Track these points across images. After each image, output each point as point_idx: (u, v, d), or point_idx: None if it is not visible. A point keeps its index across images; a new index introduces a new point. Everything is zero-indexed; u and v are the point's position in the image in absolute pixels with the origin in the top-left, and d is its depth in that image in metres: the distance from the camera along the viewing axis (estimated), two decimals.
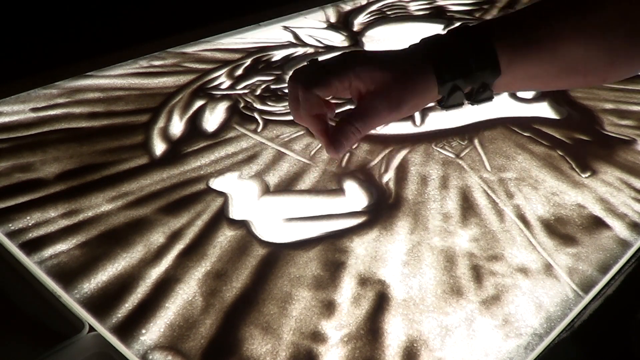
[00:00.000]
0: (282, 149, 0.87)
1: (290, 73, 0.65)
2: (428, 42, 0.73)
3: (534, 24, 0.69)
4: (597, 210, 0.79)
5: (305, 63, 0.67)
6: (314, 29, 1.26)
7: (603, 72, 0.69)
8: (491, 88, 0.72)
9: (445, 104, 0.73)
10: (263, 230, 0.71)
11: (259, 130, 0.92)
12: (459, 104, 0.74)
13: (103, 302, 0.60)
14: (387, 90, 0.68)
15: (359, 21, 1.33)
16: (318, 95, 0.66)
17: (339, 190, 0.79)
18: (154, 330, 0.57)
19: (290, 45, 1.17)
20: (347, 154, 0.88)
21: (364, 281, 0.65)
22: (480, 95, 0.71)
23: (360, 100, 0.72)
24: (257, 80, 1.06)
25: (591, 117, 1.01)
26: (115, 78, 1.00)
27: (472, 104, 0.73)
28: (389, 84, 0.68)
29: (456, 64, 0.70)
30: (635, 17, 0.63)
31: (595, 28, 0.65)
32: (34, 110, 0.89)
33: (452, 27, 0.78)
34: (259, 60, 1.10)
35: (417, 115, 0.97)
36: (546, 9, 0.69)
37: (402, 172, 0.84)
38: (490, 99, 0.72)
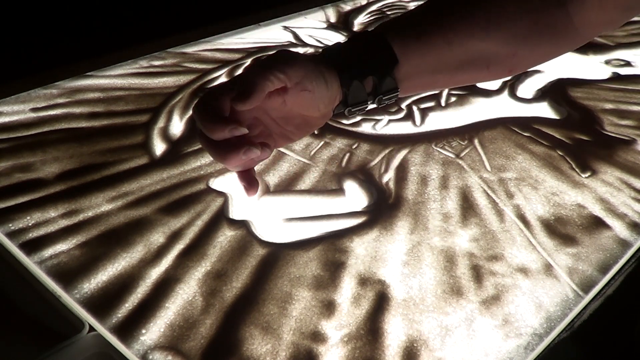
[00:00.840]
0: (282, 149, 0.87)
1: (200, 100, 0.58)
2: (328, 48, 0.74)
3: (427, 17, 0.70)
4: (597, 210, 0.79)
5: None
6: (314, 29, 1.26)
7: (507, 62, 0.70)
8: (394, 78, 0.71)
9: (348, 100, 0.72)
10: (263, 230, 0.71)
11: None
12: (363, 102, 0.73)
13: (103, 302, 0.60)
14: (303, 87, 0.66)
15: (359, 21, 1.33)
16: (253, 102, 0.60)
17: (339, 190, 0.79)
18: (154, 330, 0.57)
19: (290, 45, 1.17)
20: (348, 154, 0.88)
21: (364, 281, 0.65)
22: (383, 87, 0.70)
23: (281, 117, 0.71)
24: None
25: (591, 117, 1.01)
26: (115, 78, 1.00)
27: (379, 103, 0.72)
28: (303, 77, 0.67)
29: (353, 57, 0.70)
30: (535, 9, 0.64)
31: (495, 20, 0.66)
32: (34, 110, 0.89)
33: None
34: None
35: (417, 115, 0.97)
36: (438, 5, 0.70)
37: (402, 172, 0.84)
38: (394, 91, 0.71)
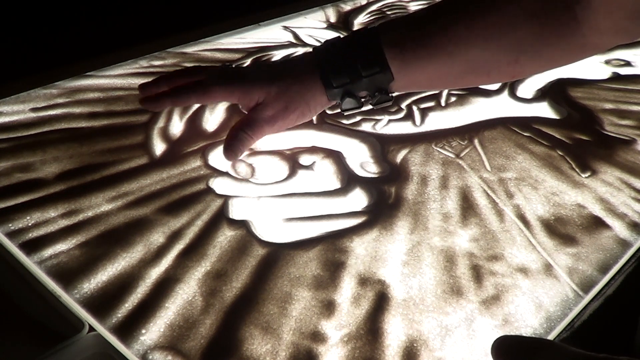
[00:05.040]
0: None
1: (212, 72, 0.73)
2: (320, 48, 0.74)
3: (426, 28, 0.68)
4: (597, 210, 0.79)
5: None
6: (314, 29, 1.26)
7: (509, 69, 0.68)
8: (389, 92, 0.71)
9: (341, 108, 0.74)
10: (263, 230, 0.71)
11: None
12: (357, 108, 0.74)
13: (103, 302, 0.60)
14: (275, 101, 0.70)
15: (359, 21, 1.33)
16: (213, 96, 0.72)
17: (339, 190, 0.79)
18: (154, 330, 0.57)
19: (290, 45, 1.17)
20: None
21: (364, 281, 0.65)
22: (377, 98, 0.71)
23: (250, 109, 0.74)
24: None
25: (591, 117, 1.01)
26: (115, 78, 1.00)
27: (374, 106, 0.73)
28: (276, 95, 0.69)
29: (344, 71, 0.70)
30: (540, 13, 0.62)
31: (497, 28, 0.63)
32: (34, 110, 0.89)
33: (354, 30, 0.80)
34: (258, 60, 1.10)
35: (417, 115, 0.97)
36: (441, 11, 0.68)
37: (402, 172, 0.84)
38: (389, 100, 0.72)
